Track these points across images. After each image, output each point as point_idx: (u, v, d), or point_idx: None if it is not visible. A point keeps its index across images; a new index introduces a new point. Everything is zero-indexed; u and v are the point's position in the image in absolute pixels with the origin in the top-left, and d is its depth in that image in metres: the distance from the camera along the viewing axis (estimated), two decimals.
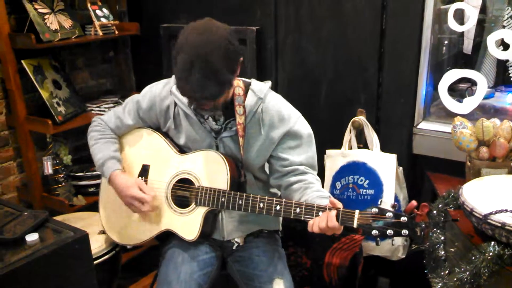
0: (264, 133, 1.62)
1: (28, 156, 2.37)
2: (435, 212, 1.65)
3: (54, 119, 2.31)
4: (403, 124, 2.14)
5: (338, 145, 2.19)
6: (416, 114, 2.12)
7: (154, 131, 1.77)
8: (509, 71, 2.16)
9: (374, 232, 1.34)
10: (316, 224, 1.41)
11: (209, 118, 1.64)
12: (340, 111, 2.28)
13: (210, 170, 1.62)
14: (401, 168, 2.13)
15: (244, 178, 1.65)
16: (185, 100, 1.59)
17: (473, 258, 1.35)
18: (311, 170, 1.64)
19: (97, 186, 2.28)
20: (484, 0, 2.15)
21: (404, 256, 2.10)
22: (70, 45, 2.62)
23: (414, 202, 1.34)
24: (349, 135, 2.18)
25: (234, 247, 1.76)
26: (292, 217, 1.48)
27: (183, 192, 1.67)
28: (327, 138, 2.19)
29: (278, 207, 1.50)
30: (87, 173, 2.53)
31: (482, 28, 2.28)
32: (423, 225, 1.31)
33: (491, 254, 1.32)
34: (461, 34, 2.29)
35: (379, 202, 1.38)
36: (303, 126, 1.64)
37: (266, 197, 1.52)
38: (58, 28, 2.35)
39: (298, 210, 1.46)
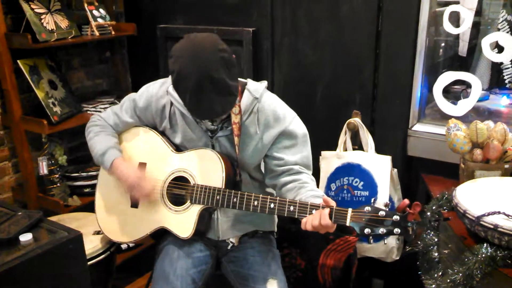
0: (259, 132, 1.62)
1: (24, 156, 2.37)
2: (429, 213, 1.66)
3: (49, 119, 2.30)
4: (398, 126, 2.15)
5: (333, 146, 2.20)
6: (411, 116, 2.13)
7: (151, 129, 1.78)
8: (504, 74, 2.18)
9: (367, 230, 1.35)
10: (309, 222, 1.42)
11: None
12: (335, 112, 2.28)
13: (206, 168, 1.63)
14: (395, 169, 2.14)
15: (240, 177, 1.66)
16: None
17: (466, 259, 1.35)
18: (306, 170, 1.65)
19: (93, 186, 2.29)
20: (480, 3, 2.15)
21: (398, 258, 2.11)
22: (67, 45, 2.62)
23: (406, 201, 1.35)
24: (344, 137, 2.19)
25: (229, 247, 1.76)
26: (286, 215, 1.49)
27: (179, 190, 1.68)
28: (323, 140, 2.20)
29: (272, 205, 1.51)
30: (82, 174, 2.53)
31: (478, 31, 2.29)
32: (415, 224, 1.32)
33: (483, 255, 1.33)
34: (457, 37, 2.30)
35: (372, 201, 1.38)
36: (298, 126, 1.64)
37: (261, 195, 1.53)
38: (55, 28, 2.35)
39: (292, 208, 1.47)
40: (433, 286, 1.47)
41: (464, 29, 2.03)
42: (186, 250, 1.70)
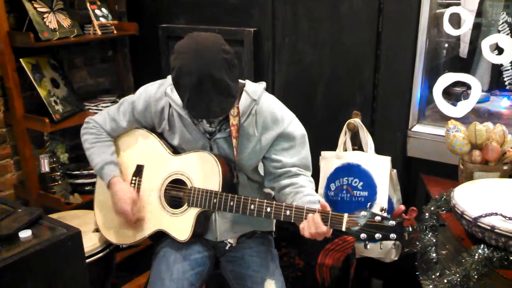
0: (257, 134, 1.62)
1: (25, 154, 2.39)
2: (427, 214, 1.66)
3: (51, 117, 2.32)
4: (398, 126, 2.15)
5: (333, 146, 2.20)
6: (410, 117, 2.13)
7: (149, 131, 1.78)
8: (504, 75, 2.17)
9: (363, 235, 1.36)
10: (306, 229, 1.43)
11: (203, 120, 1.65)
12: (335, 112, 2.29)
13: (203, 171, 1.63)
14: (395, 170, 2.14)
15: (237, 180, 1.66)
16: (179, 101, 1.59)
17: (463, 260, 1.35)
18: (305, 171, 1.65)
19: (94, 184, 2.28)
20: (480, 5, 2.15)
21: (397, 258, 2.11)
22: (69, 44, 2.63)
23: (402, 207, 1.36)
24: (344, 137, 2.19)
25: (227, 248, 1.76)
26: (282, 219, 1.49)
27: (176, 193, 1.68)
28: (322, 140, 2.21)
29: (268, 209, 1.51)
30: (83, 172, 2.54)
31: (478, 32, 2.29)
32: (411, 230, 1.33)
33: (480, 256, 1.33)
34: (457, 38, 2.30)
35: (367, 206, 1.39)
36: (296, 128, 1.64)
37: (257, 199, 1.53)
38: (57, 27, 2.36)
39: (288, 212, 1.48)
40: (431, 287, 1.47)
41: (465, 30, 2.03)
42: (183, 252, 1.70)
